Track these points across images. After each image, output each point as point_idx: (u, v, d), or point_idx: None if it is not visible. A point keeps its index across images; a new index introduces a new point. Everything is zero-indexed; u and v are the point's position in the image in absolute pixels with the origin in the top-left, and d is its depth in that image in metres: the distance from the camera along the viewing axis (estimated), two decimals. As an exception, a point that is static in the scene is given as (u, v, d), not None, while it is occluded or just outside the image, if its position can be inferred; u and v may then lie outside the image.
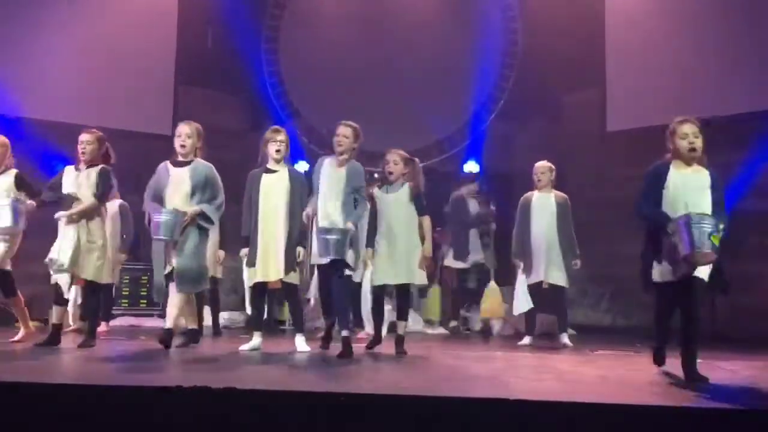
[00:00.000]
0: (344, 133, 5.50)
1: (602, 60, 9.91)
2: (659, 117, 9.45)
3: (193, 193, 5.41)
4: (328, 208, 5.36)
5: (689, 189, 4.16)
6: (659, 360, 4.48)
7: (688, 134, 4.22)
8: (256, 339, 5.53)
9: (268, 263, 5.41)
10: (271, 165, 5.61)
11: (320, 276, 5.84)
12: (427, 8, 10.66)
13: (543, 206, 6.88)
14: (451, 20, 10.61)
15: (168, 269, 5.39)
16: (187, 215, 5.31)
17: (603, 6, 9.99)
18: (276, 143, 5.56)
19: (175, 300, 5.43)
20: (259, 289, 5.61)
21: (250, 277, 5.65)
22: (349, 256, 5.30)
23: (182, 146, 5.50)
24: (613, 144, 9.65)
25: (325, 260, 5.32)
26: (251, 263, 5.51)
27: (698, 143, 4.21)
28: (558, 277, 6.78)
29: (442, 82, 10.28)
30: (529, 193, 7.05)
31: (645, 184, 4.31)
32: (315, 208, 5.47)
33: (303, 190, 5.59)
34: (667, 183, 4.20)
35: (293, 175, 5.60)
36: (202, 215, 5.41)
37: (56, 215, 5.48)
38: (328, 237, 5.19)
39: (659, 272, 4.18)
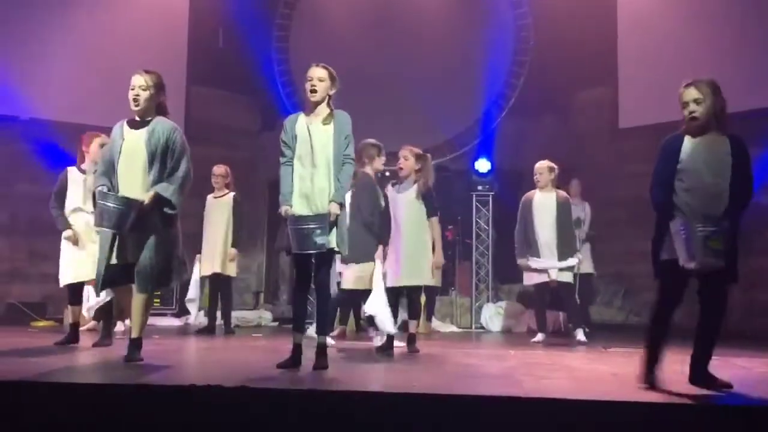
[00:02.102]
0: (318, 75, 4.37)
1: (614, 57, 9.86)
2: (672, 114, 9.44)
3: (150, 163, 4.30)
4: (317, 182, 4.24)
5: (705, 161, 3.66)
6: (649, 375, 3.71)
7: (688, 102, 3.74)
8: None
9: None
10: None
11: (296, 268, 4.43)
12: (437, 6, 10.64)
13: (544, 206, 6.89)
14: (462, 18, 10.58)
15: (114, 261, 4.33)
16: (145, 204, 4.20)
17: (615, 2, 9.94)
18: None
19: (136, 303, 4.33)
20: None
21: None
22: (334, 239, 4.22)
23: (135, 100, 4.35)
24: (625, 141, 9.60)
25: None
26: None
27: (700, 110, 3.70)
28: (563, 274, 6.81)
29: (453, 80, 10.26)
30: (531, 192, 7.06)
31: (658, 161, 3.81)
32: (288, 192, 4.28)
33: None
34: (681, 156, 3.71)
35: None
36: (161, 200, 4.25)
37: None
38: (301, 227, 4.11)
39: (666, 250, 3.68)
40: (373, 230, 5.57)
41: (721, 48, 8.81)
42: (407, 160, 5.60)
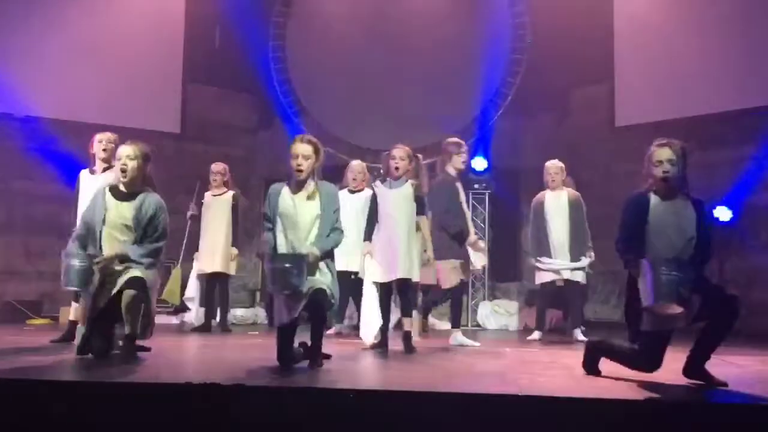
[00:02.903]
0: (303, 152, 4.31)
1: (611, 55, 9.87)
2: (669, 112, 9.49)
3: (134, 232, 4.43)
4: (299, 249, 4.23)
5: (673, 223, 3.74)
6: (595, 367, 4.09)
7: (663, 161, 3.77)
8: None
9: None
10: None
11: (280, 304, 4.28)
12: (434, 4, 10.64)
13: (557, 205, 6.94)
14: (458, 16, 10.58)
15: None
16: (106, 257, 4.32)
17: (611, 0, 9.95)
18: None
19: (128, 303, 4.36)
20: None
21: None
22: (327, 278, 4.25)
23: (123, 171, 4.46)
24: (621, 139, 9.60)
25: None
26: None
27: (674, 171, 3.75)
28: (576, 273, 6.85)
29: (449, 78, 10.26)
30: (541, 194, 7.11)
31: (625, 218, 3.87)
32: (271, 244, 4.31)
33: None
34: (649, 217, 3.76)
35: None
36: (127, 258, 4.35)
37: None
38: (276, 266, 4.08)
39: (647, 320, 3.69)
40: (448, 228, 5.95)
41: (717, 46, 8.83)
42: (403, 160, 5.63)
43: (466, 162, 6.25)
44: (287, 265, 4.04)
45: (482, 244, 6.25)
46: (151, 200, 4.47)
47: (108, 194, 4.49)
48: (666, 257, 3.62)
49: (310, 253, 4.14)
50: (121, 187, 4.50)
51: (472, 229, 6.18)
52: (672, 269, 3.50)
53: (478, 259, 6.32)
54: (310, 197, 4.31)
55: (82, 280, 4.27)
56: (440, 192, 6.08)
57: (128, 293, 4.29)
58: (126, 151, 4.49)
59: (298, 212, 4.28)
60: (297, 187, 4.34)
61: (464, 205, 6.24)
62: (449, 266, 5.98)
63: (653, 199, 3.81)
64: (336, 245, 4.39)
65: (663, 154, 3.77)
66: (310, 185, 4.34)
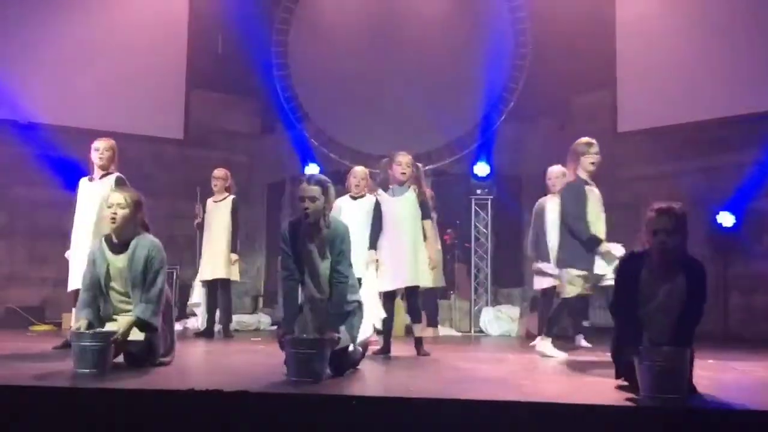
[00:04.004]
0: (310, 194, 4.06)
1: (613, 60, 9.87)
2: (671, 117, 9.49)
3: (134, 286, 4.30)
4: (319, 302, 4.17)
5: (663, 294, 3.47)
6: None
7: (659, 231, 3.40)
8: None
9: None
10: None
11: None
12: (436, 10, 10.65)
13: (557, 211, 6.90)
14: (461, 22, 10.59)
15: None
16: (118, 334, 4.10)
17: (613, 6, 9.95)
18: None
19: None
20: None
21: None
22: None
23: (112, 219, 4.29)
24: (624, 145, 9.60)
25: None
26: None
27: (672, 242, 3.37)
28: None
29: (451, 84, 10.27)
30: (543, 198, 7.08)
31: (619, 280, 3.64)
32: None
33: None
34: (640, 284, 3.48)
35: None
36: (140, 323, 4.21)
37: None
38: (298, 352, 3.79)
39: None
40: (579, 236, 5.50)
41: (719, 51, 8.83)
42: (409, 167, 5.67)
43: (596, 163, 5.74)
44: (309, 350, 3.81)
45: (615, 253, 5.50)
46: (143, 244, 4.32)
47: (105, 247, 4.36)
48: (651, 338, 3.46)
49: (331, 338, 3.98)
50: (114, 238, 4.35)
51: (604, 236, 5.61)
52: (663, 358, 3.27)
53: (601, 268, 5.58)
54: (319, 246, 4.14)
55: (97, 362, 3.96)
56: (570, 197, 5.67)
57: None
58: (117, 198, 4.33)
59: (316, 264, 4.14)
60: (310, 230, 4.14)
61: (600, 210, 5.74)
62: (569, 276, 5.55)
63: (645, 273, 3.50)
64: (343, 300, 4.18)
65: (662, 223, 3.39)
66: (322, 232, 4.14)
